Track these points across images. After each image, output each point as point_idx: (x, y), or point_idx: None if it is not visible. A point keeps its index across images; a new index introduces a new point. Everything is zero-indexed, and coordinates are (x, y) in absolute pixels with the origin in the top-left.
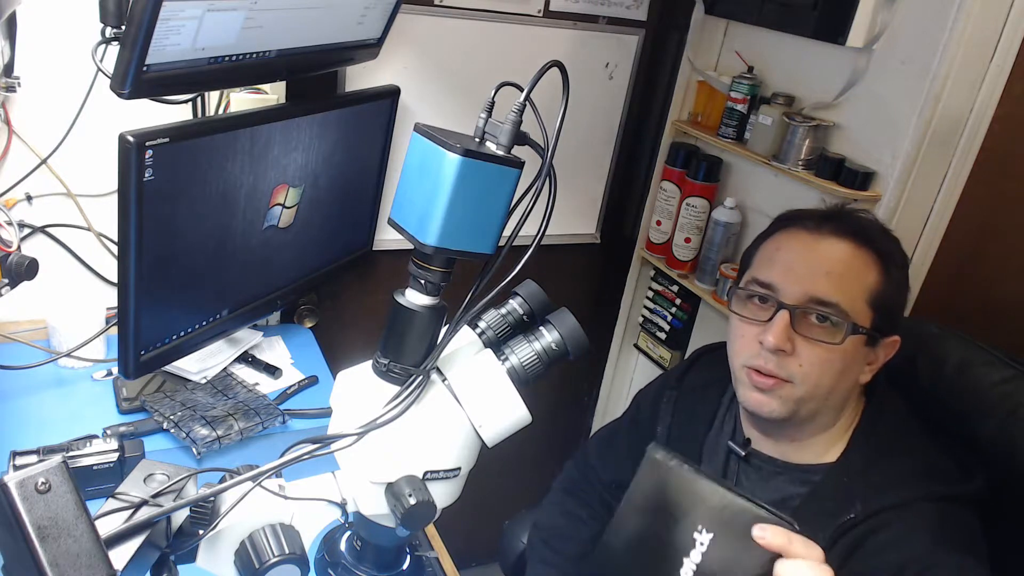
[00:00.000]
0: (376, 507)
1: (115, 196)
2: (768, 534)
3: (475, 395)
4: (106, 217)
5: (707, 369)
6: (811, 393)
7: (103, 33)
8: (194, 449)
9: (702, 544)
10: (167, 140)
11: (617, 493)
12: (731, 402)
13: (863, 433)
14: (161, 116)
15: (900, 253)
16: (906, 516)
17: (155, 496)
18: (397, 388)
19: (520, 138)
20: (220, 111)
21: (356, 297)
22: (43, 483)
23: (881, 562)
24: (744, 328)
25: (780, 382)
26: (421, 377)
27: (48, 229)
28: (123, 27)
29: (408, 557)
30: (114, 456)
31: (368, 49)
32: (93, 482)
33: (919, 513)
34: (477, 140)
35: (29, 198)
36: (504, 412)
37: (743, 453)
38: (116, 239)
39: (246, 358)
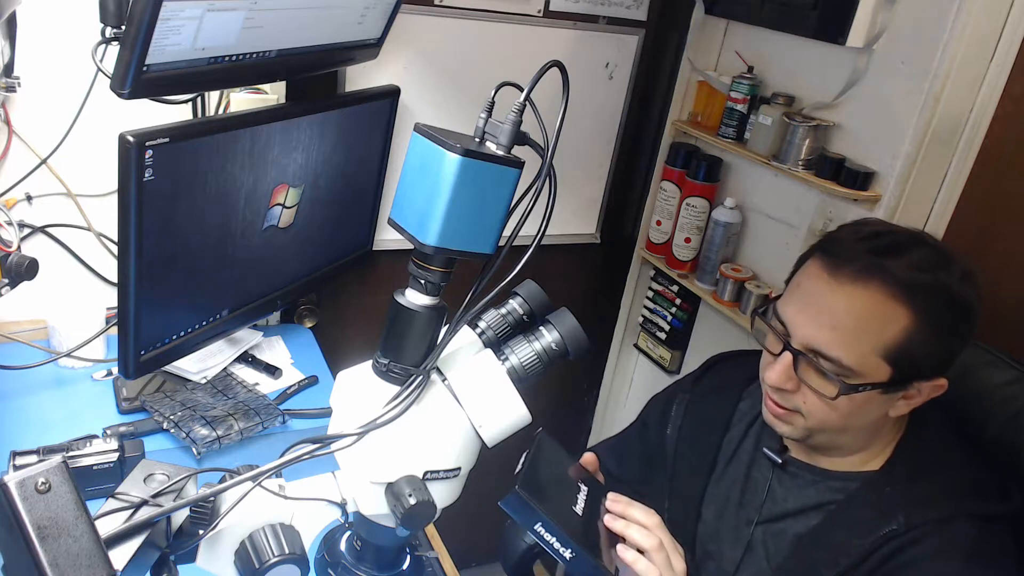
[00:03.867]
0: (376, 507)
1: (115, 196)
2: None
3: (475, 395)
4: (106, 217)
5: (722, 375)
6: (820, 427)
7: (103, 33)
8: (194, 449)
9: None
10: (167, 140)
11: (623, 489)
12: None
13: (908, 445)
14: (161, 116)
15: (944, 297)
16: (945, 532)
17: (155, 496)
18: (397, 388)
19: (520, 138)
20: (220, 111)
21: (356, 297)
22: (43, 483)
23: (913, 574)
24: (765, 353)
25: (789, 412)
26: (421, 377)
27: (48, 229)
28: (123, 27)
29: (408, 557)
30: (114, 456)
31: (368, 49)
32: (93, 482)
33: (957, 531)
34: (477, 140)
35: (29, 198)
36: (504, 412)
37: (780, 461)
38: (116, 239)
39: (246, 358)
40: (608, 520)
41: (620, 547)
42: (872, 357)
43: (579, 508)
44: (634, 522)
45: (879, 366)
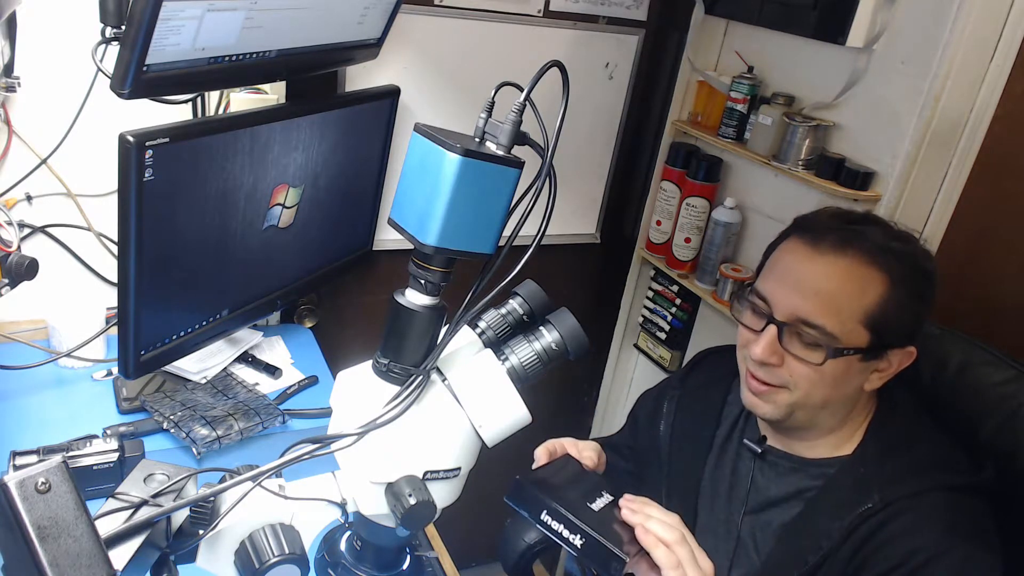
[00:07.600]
0: (376, 507)
1: (115, 196)
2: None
3: (475, 395)
4: (106, 217)
5: (710, 370)
6: (803, 401)
7: (103, 33)
8: (194, 449)
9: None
10: (167, 140)
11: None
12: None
13: (878, 427)
14: (161, 116)
15: (912, 263)
16: (920, 506)
17: (155, 496)
18: (397, 388)
19: (520, 138)
20: (220, 111)
21: (356, 297)
22: (43, 483)
23: (891, 550)
24: (744, 332)
25: (773, 388)
26: (421, 377)
27: (48, 229)
28: (123, 27)
29: (408, 557)
30: (114, 456)
31: (368, 49)
32: (93, 482)
33: (932, 503)
34: (477, 140)
35: (29, 198)
36: (504, 412)
37: (759, 450)
38: (116, 239)
39: (246, 358)
40: (627, 513)
41: (639, 532)
42: (852, 323)
43: (596, 507)
44: (654, 518)
45: (859, 332)
